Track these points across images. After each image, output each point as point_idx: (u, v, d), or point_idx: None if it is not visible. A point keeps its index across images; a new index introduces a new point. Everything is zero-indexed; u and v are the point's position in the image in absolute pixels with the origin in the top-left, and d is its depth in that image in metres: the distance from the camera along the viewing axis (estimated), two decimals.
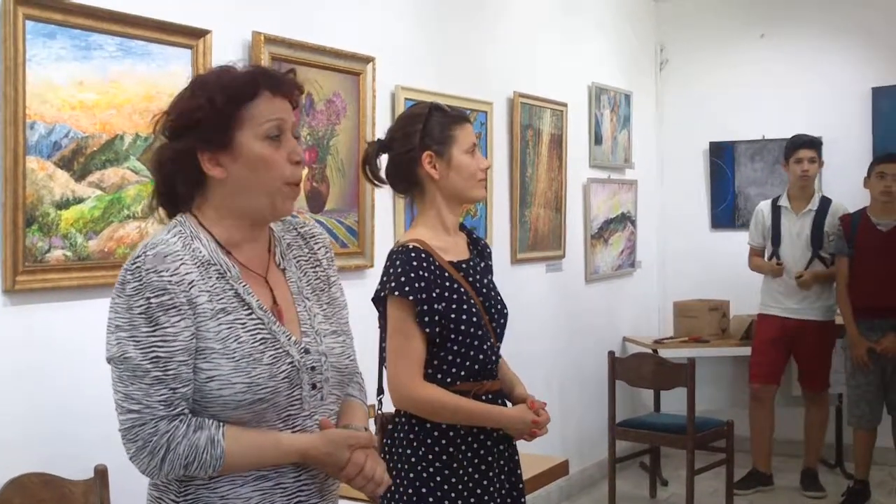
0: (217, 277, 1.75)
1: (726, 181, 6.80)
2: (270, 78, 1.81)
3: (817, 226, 5.58)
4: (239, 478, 1.74)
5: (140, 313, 1.67)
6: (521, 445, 2.65)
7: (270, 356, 1.75)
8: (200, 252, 1.75)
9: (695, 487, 5.09)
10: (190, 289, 1.70)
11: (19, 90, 2.69)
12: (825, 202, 5.65)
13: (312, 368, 1.81)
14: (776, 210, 5.74)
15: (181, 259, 1.72)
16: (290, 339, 1.80)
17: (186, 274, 1.71)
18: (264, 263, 1.87)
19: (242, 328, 1.74)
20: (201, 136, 1.75)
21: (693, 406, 5.00)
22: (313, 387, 1.81)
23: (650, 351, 5.83)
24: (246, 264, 1.81)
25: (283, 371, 1.76)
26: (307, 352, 1.82)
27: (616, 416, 5.35)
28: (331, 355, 1.86)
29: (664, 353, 5.78)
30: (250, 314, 1.76)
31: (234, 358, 1.71)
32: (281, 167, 1.78)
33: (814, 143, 5.67)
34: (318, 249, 1.99)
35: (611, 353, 5.37)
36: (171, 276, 1.69)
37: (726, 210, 6.82)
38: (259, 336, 1.75)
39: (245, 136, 1.76)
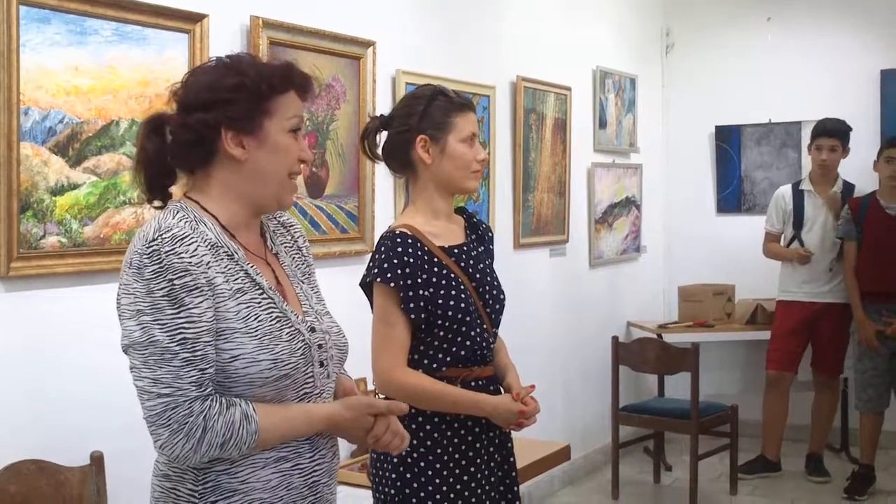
0: (227, 259, 1.78)
1: (732, 165, 6.76)
2: (301, 78, 1.87)
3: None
4: (259, 460, 1.77)
5: (163, 296, 1.67)
6: (523, 431, 2.61)
7: (287, 333, 1.80)
8: (207, 235, 1.77)
9: (699, 472, 5.09)
10: (208, 270, 1.72)
11: (13, 76, 2.67)
12: (849, 187, 5.61)
13: (319, 346, 1.87)
14: (798, 194, 5.69)
15: (195, 241, 1.73)
16: (297, 317, 1.85)
17: (203, 255, 1.73)
18: (261, 247, 1.91)
19: (259, 307, 1.78)
20: (231, 114, 1.77)
21: (697, 391, 4.99)
22: (321, 364, 1.87)
23: (654, 335, 5.81)
24: (247, 247, 1.85)
25: (300, 348, 1.81)
26: (313, 330, 1.87)
27: (620, 400, 5.35)
28: (331, 334, 1.92)
29: (668, 337, 5.76)
30: (262, 294, 1.80)
31: (256, 336, 1.75)
32: (294, 160, 1.85)
33: (836, 132, 5.59)
34: (298, 238, 2.05)
35: (614, 338, 5.36)
36: (191, 257, 1.71)
37: (732, 194, 6.78)
38: (273, 314, 1.80)
39: (273, 126, 1.81)
